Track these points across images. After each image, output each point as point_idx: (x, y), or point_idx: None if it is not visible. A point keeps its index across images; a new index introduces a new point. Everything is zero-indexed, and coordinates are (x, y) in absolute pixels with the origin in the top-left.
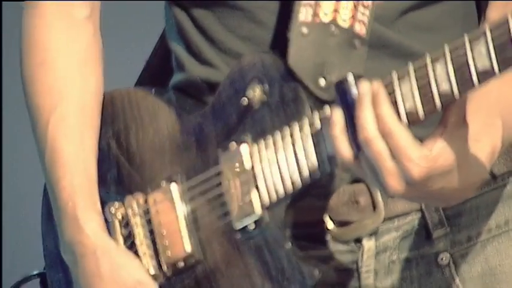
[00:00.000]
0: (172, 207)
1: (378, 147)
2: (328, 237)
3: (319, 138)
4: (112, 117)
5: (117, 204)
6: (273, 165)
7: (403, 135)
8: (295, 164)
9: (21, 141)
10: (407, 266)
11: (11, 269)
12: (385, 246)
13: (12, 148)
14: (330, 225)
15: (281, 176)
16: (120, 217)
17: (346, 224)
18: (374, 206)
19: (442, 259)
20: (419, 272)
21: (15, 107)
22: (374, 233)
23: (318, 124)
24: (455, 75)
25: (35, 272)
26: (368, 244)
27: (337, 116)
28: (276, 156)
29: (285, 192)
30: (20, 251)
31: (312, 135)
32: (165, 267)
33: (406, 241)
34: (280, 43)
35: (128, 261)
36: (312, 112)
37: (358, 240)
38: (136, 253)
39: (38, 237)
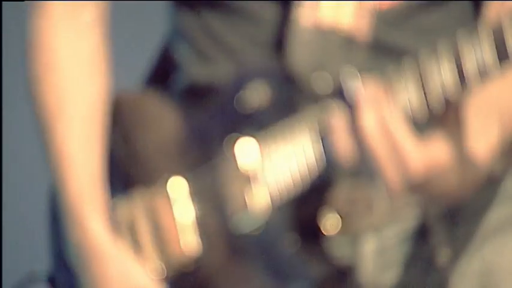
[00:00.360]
0: (177, 208)
1: (378, 146)
2: (328, 235)
3: (322, 138)
4: (117, 118)
5: (123, 204)
6: (277, 166)
7: (402, 135)
8: (299, 163)
9: (22, 141)
10: (406, 264)
11: (11, 269)
12: (385, 244)
13: (12, 148)
14: (330, 221)
15: (285, 177)
16: (126, 217)
17: (345, 221)
18: (374, 203)
19: (440, 257)
20: (418, 269)
21: (15, 107)
22: (374, 231)
23: (320, 124)
24: (454, 75)
25: (44, 274)
26: (368, 242)
27: (338, 115)
28: (280, 156)
29: (290, 192)
30: (21, 251)
31: (314, 135)
32: (169, 268)
33: (405, 239)
34: (282, 44)
35: (133, 266)
36: (313, 112)
37: (358, 238)
38: (142, 253)
39: (39, 237)
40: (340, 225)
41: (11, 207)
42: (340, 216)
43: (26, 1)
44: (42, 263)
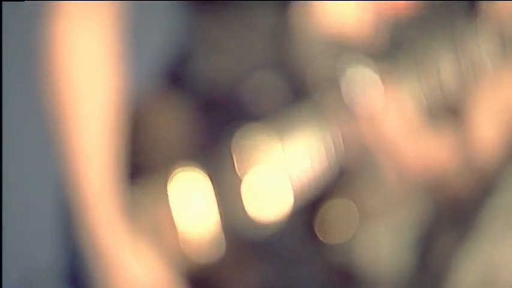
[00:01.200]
0: (189, 204)
1: (382, 147)
2: (331, 233)
3: (329, 132)
4: (130, 116)
5: (139, 199)
6: (290, 166)
7: (405, 138)
8: (311, 166)
9: (22, 141)
10: (408, 261)
11: (11, 268)
12: (386, 242)
13: (12, 148)
14: (343, 209)
15: (298, 177)
16: (143, 213)
17: (359, 209)
18: (381, 190)
19: (442, 254)
20: (420, 266)
21: (16, 107)
22: (383, 217)
23: (328, 125)
24: (459, 71)
25: (44, 273)
26: (368, 239)
27: (346, 118)
28: (294, 157)
29: (301, 194)
30: (20, 250)
31: (320, 130)
32: (182, 264)
33: (406, 238)
34: (287, 42)
35: (143, 269)
36: (323, 114)
37: (359, 237)
38: (154, 248)
39: (39, 236)
40: (355, 215)
41: (10, 207)
42: (355, 204)
43: (26, 1)
44: (41, 261)
